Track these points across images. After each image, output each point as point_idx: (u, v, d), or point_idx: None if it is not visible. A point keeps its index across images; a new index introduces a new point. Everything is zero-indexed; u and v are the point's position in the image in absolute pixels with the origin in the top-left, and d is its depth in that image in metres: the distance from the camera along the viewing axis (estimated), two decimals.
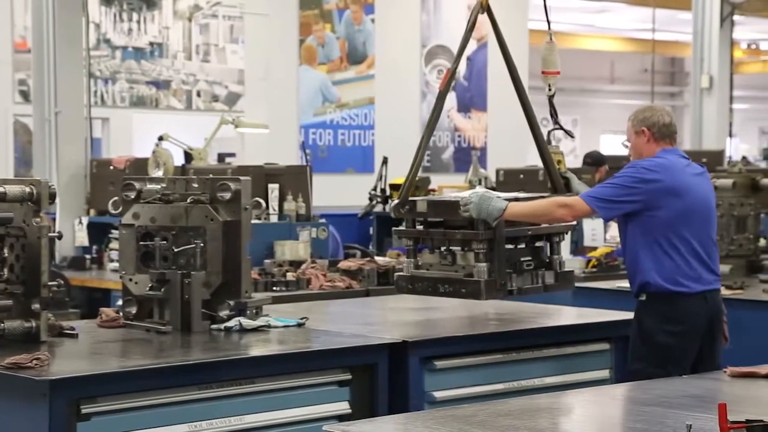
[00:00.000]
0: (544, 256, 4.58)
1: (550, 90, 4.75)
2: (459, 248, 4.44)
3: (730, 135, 13.94)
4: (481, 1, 4.63)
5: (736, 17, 13.95)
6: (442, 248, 4.48)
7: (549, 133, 4.84)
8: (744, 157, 10.56)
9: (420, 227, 4.54)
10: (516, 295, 4.46)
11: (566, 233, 4.94)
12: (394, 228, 4.74)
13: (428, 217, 4.51)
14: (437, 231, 4.48)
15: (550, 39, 4.83)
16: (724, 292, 5.60)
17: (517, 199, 4.47)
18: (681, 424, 2.50)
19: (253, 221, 4.77)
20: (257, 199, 6.67)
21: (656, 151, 4.50)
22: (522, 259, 4.47)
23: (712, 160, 9.32)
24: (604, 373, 4.54)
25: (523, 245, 4.51)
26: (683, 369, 4.25)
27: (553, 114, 4.81)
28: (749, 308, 5.11)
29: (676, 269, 4.35)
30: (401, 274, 4.64)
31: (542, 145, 4.70)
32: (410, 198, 4.55)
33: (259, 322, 4.18)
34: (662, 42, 19.32)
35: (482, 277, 4.32)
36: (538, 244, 4.57)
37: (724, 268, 6.01)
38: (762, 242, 6.94)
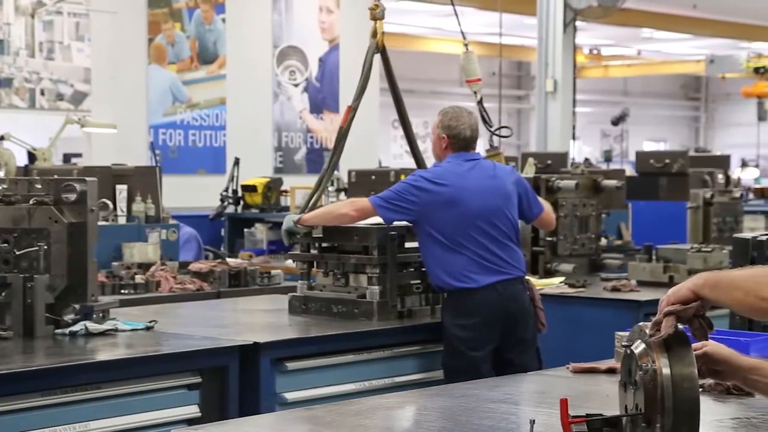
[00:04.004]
0: None
1: (476, 96, 4.90)
2: (352, 271, 4.66)
3: (574, 137, 14.39)
4: (377, 41, 4.86)
5: (578, 23, 14.42)
6: (336, 271, 4.69)
7: (491, 136, 4.99)
8: (586, 159, 10.91)
9: (315, 251, 4.75)
10: (405, 316, 4.64)
11: None
12: (289, 252, 4.95)
13: (323, 242, 4.73)
14: (332, 255, 4.71)
15: (467, 49, 4.97)
16: (567, 290, 5.79)
17: None
18: (525, 419, 2.56)
19: (100, 223, 4.66)
20: (104, 200, 6.49)
21: (446, 157, 4.68)
22: (411, 282, 4.70)
23: (557, 162, 9.62)
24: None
25: (412, 270, 4.73)
26: (479, 360, 4.45)
27: (486, 120, 4.95)
28: (591, 305, 5.27)
29: (463, 267, 4.54)
30: (295, 294, 4.78)
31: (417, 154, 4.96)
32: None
33: (106, 325, 4.09)
34: (509, 46, 19.77)
35: (375, 298, 4.55)
36: (425, 268, 4.72)
37: (567, 267, 6.21)
38: (603, 241, 7.18)
